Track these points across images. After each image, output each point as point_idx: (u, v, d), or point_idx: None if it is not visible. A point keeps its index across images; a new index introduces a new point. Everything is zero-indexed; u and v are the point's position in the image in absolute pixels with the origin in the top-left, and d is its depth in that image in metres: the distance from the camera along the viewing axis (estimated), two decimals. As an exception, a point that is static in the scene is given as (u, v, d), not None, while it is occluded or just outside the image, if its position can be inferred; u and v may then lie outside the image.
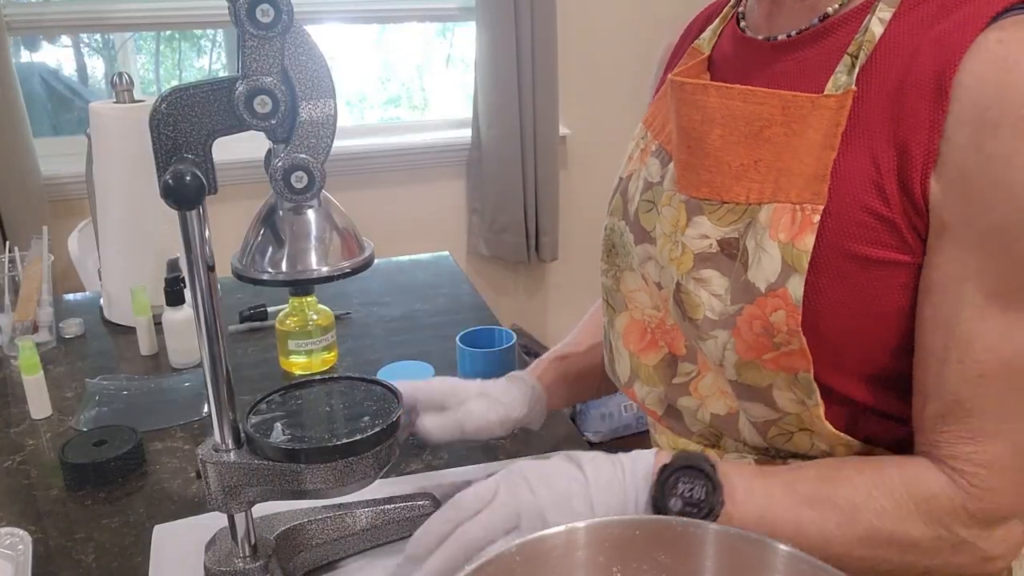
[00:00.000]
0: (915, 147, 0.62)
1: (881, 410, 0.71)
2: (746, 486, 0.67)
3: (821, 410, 0.70)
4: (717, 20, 0.85)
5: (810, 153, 0.67)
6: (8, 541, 0.84)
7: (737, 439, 0.77)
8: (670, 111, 0.78)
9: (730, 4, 0.85)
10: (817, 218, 0.65)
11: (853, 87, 0.65)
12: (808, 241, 0.65)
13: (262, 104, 0.62)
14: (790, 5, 0.73)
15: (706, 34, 0.85)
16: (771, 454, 0.77)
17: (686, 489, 0.65)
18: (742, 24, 0.80)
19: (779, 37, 0.74)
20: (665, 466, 0.67)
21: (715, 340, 0.72)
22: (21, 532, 0.85)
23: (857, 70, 0.66)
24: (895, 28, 0.66)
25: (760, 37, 0.76)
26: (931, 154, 0.62)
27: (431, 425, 0.86)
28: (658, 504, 0.66)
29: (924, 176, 0.62)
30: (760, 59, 0.75)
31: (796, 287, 0.66)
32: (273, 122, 0.63)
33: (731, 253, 0.71)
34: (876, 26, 0.66)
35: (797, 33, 0.73)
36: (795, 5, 0.73)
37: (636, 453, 0.71)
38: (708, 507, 0.65)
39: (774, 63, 0.74)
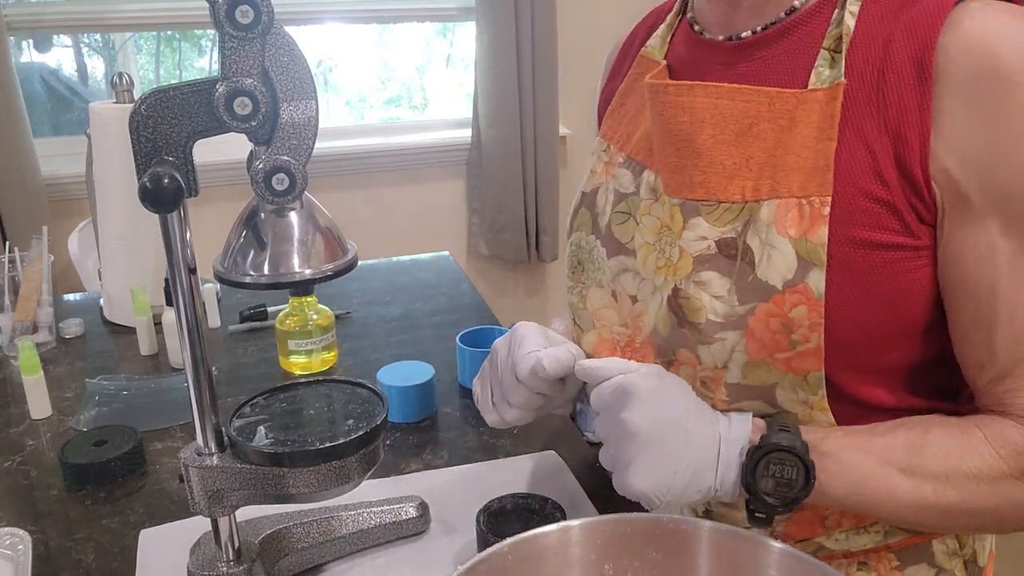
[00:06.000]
0: (909, 132, 0.64)
1: (885, 405, 0.72)
2: (837, 460, 0.67)
3: (825, 402, 0.70)
4: (663, 26, 0.84)
5: (805, 146, 0.67)
6: (8, 541, 0.84)
7: None
8: (648, 117, 0.77)
9: (674, 10, 0.85)
10: (827, 210, 0.66)
11: (843, 79, 0.66)
12: (822, 233, 0.66)
13: (242, 106, 0.62)
14: (750, 3, 0.73)
15: (654, 41, 0.84)
16: None
17: (777, 470, 0.65)
18: (696, 27, 0.79)
19: (743, 35, 0.74)
20: (756, 448, 0.67)
21: (722, 343, 0.71)
22: (21, 532, 0.85)
23: (844, 63, 0.67)
24: (864, 19, 0.68)
25: (720, 38, 0.76)
26: (925, 135, 0.64)
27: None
28: (749, 486, 0.66)
29: (923, 158, 0.64)
30: (722, 60, 0.75)
31: (817, 281, 0.66)
32: (254, 124, 0.63)
33: (730, 253, 0.70)
34: (849, 19, 0.68)
35: (762, 29, 0.73)
36: (757, 2, 0.73)
37: (735, 421, 0.70)
38: (800, 487, 0.65)
39: (738, 62, 0.74)
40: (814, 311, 0.67)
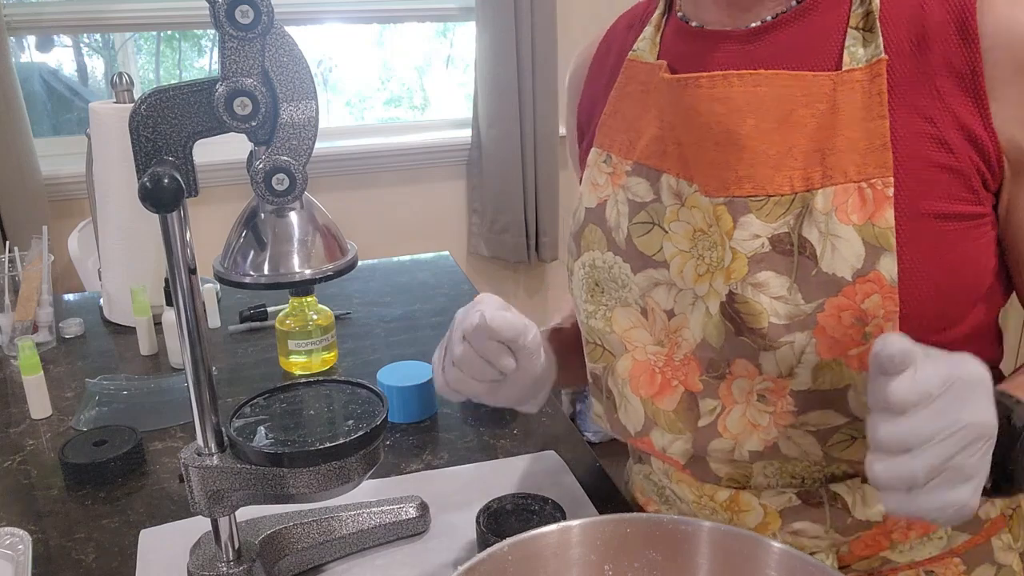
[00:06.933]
0: (964, 95, 0.64)
1: None
2: None
3: None
4: (650, 28, 0.80)
5: (854, 128, 0.65)
6: (8, 541, 0.84)
7: (776, 469, 0.74)
8: (658, 119, 0.74)
9: (659, 11, 0.81)
10: (891, 191, 0.64)
11: (884, 55, 0.65)
12: (889, 216, 0.64)
13: (242, 106, 0.62)
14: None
15: (642, 44, 0.80)
16: (807, 484, 0.74)
17: None
18: (694, 23, 0.76)
19: (751, 24, 0.71)
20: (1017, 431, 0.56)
21: (790, 346, 0.67)
22: (21, 532, 0.85)
23: (881, 38, 0.65)
24: None
25: (727, 28, 0.73)
26: (982, 98, 0.63)
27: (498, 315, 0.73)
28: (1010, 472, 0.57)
29: (986, 119, 0.64)
30: (733, 46, 0.72)
31: (889, 267, 0.64)
32: (254, 124, 0.63)
33: (785, 249, 0.67)
34: None
35: (773, 17, 0.71)
36: None
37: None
38: None
39: (749, 45, 0.71)
40: (888, 299, 0.64)
